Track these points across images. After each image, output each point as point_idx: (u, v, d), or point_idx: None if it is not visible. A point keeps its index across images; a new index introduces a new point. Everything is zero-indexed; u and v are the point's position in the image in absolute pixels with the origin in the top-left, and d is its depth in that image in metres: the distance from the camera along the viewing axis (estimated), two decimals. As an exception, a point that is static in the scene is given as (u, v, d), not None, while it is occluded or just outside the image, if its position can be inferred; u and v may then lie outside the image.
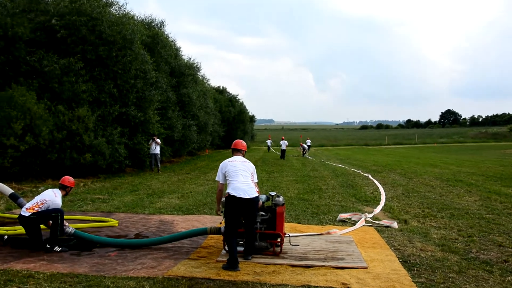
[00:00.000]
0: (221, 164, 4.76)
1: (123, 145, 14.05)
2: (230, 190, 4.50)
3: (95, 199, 9.01)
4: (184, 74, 21.86)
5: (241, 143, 5.02)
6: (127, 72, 14.25)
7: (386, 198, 9.26)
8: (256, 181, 4.80)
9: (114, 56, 13.59)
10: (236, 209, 4.46)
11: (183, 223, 6.65)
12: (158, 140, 15.39)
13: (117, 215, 7.29)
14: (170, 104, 19.19)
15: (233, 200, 4.45)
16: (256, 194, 4.53)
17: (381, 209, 7.97)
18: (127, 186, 11.37)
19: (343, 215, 7.14)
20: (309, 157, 26.19)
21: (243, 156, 4.94)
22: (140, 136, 15.29)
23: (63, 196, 5.32)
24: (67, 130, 11.93)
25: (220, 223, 5.51)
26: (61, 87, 12.06)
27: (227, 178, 4.63)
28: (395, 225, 6.46)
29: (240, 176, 4.56)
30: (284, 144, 25.02)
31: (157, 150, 15.28)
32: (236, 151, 4.95)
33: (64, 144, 11.95)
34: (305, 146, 28.22)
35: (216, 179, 4.75)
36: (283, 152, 24.73)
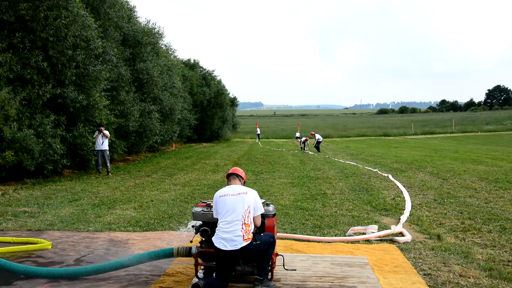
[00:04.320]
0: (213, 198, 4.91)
1: (59, 138, 13.86)
2: (214, 238, 4.64)
3: (19, 213, 8.85)
4: (141, 43, 21.79)
5: (238, 169, 5.22)
6: (63, 40, 14.03)
7: (412, 205, 9.33)
8: (259, 213, 4.78)
9: (42, 17, 13.30)
10: (220, 261, 4.60)
11: (141, 242, 6.62)
12: (107, 132, 15.27)
13: (51, 234, 7.18)
14: (123, 83, 19.07)
15: (216, 251, 4.59)
16: (244, 243, 4.51)
17: (406, 220, 8.02)
18: (64, 194, 11.24)
19: (355, 229, 7.18)
20: (310, 152, 26.47)
21: (243, 184, 5.04)
22: (82, 127, 15.14)
23: None
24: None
25: (191, 242, 5.47)
26: None
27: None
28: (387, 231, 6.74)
29: (227, 216, 4.64)
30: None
31: (105, 145, 15.20)
32: (232, 177, 5.05)
33: (-26, 139, 11.75)
34: (318, 136, 29.05)
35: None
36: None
